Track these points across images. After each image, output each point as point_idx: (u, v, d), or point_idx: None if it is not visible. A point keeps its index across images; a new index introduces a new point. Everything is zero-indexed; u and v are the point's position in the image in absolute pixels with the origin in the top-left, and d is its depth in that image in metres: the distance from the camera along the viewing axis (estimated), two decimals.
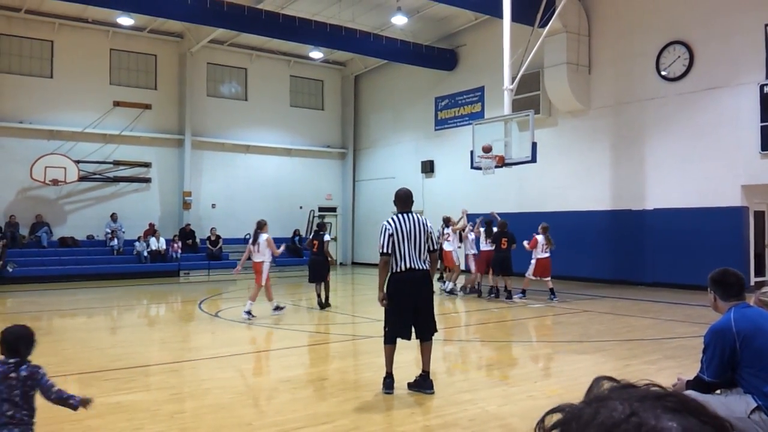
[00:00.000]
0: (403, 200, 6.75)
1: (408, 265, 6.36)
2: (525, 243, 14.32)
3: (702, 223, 15.75)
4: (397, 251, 6.37)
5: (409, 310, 6.43)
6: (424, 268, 6.47)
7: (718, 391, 4.20)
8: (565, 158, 18.88)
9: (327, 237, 13.22)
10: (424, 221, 6.61)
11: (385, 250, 6.39)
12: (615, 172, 17.93)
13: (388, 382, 6.43)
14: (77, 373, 7.55)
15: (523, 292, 14.44)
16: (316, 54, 25.25)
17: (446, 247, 15.30)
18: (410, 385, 6.52)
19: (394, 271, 6.42)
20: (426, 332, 6.55)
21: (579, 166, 18.68)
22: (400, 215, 6.57)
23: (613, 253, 17.79)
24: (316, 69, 26.92)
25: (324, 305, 13.22)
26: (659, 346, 8.89)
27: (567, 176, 18.89)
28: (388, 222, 6.50)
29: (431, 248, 6.55)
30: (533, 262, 14.20)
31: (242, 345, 9.60)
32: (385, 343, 6.53)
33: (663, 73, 16.76)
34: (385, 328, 6.56)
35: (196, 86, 23.95)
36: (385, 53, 22.49)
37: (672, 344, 9.01)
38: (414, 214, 6.60)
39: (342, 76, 27.71)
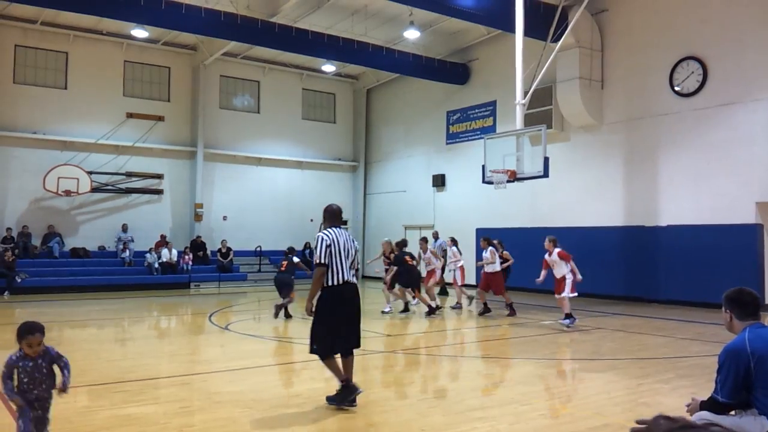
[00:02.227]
0: (334, 215, 6.81)
1: (345, 278, 6.45)
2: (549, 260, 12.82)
3: (716, 241, 15.61)
4: (334, 264, 6.41)
5: (344, 321, 6.53)
6: (355, 281, 6.65)
7: (733, 412, 4.14)
8: (578, 173, 18.81)
9: (295, 258, 14.54)
10: (352, 238, 6.73)
11: (322, 261, 6.39)
12: (628, 188, 17.84)
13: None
14: (88, 384, 7.55)
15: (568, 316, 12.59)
16: (329, 67, 25.37)
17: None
18: (330, 399, 6.49)
19: (331, 284, 6.43)
20: (355, 345, 6.70)
21: (591, 182, 18.59)
22: (333, 229, 6.60)
23: (626, 269, 17.66)
24: (329, 82, 27.04)
25: (286, 315, 13.91)
26: (673, 364, 8.78)
27: (579, 191, 18.80)
28: (325, 234, 6.51)
29: (357, 263, 6.72)
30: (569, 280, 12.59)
31: (252, 358, 9.57)
32: (324, 358, 6.53)
33: (676, 88, 16.70)
34: (314, 343, 6.52)
35: (208, 98, 24.10)
36: (397, 67, 22.56)
37: (686, 363, 8.90)
38: (344, 230, 6.71)
39: (354, 90, 27.82)
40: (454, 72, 22.78)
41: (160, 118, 23.19)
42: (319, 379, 8.02)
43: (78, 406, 6.70)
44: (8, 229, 20.16)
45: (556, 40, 17.06)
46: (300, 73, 26.09)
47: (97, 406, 6.63)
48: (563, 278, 12.69)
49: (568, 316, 12.53)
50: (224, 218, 24.26)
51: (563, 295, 12.53)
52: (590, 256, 18.20)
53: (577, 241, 18.56)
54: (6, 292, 18.22)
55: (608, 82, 18.41)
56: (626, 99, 17.93)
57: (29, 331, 4.44)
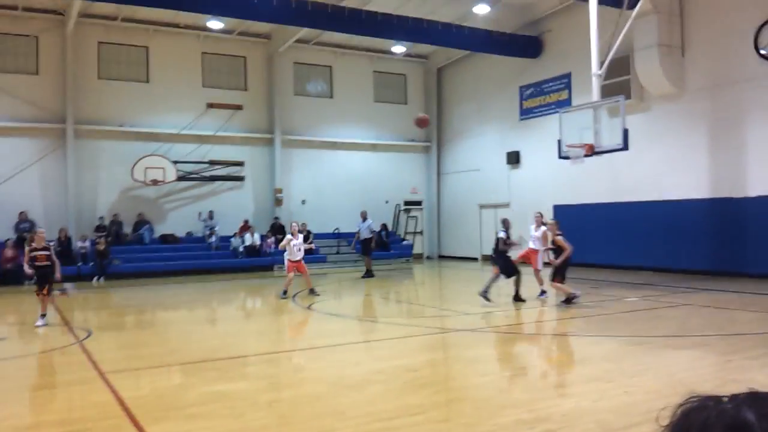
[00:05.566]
0: None
1: None
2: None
3: None
4: None
5: None
6: None
7: None
8: (659, 145, 18.16)
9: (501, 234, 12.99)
10: None
11: None
12: (713, 159, 17.10)
13: None
14: (181, 363, 7.97)
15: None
16: (399, 48, 25.35)
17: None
18: None
19: None
20: None
21: (674, 153, 17.92)
22: None
23: (713, 243, 16.98)
24: (399, 63, 27.03)
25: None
26: (764, 340, 8.45)
27: (661, 163, 18.17)
28: None
29: None
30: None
31: (334, 337, 9.82)
32: None
33: (762, 52, 15.81)
34: None
35: (283, 86, 24.55)
36: (467, 44, 22.29)
37: None
38: None
39: (425, 70, 27.70)
40: (527, 46, 22.31)
41: (239, 107, 23.80)
42: (400, 357, 8.18)
43: (172, 383, 7.10)
44: (100, 218, 21.27)
45: (632, 6, 16.41)
46: (371, 56, 26.17)
47: (190, 383, 7.01)
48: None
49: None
50: (303, 202, 24.78)
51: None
52: (674, 230, 17.66)
53: (661, 215, 18.04)
54: (100, 278, 19.20)
55: (689, 48, 17.63)
56: (709, 65, 17.13)
57: None
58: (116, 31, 22.10)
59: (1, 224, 19.70)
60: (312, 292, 14.56)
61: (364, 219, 19.65)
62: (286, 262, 14.78)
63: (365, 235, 19.38)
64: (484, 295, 12.13)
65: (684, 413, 0.94)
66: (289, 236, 14.61)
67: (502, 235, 12.63)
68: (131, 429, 5.24)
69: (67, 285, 11.35)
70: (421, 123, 13.76)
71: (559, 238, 12.02)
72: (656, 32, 17.29)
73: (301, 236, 14.86)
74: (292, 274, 14.44)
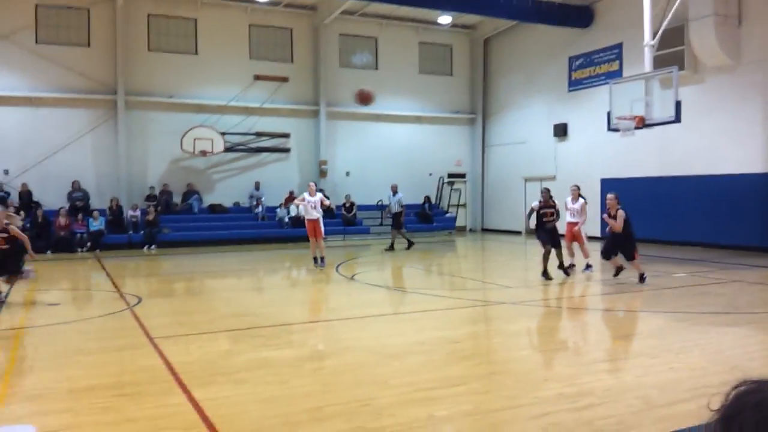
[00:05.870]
0: None
1: None
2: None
3: None
4: None
5: None
6: None
7: None
8: (713, 118, 17.60)
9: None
10: None
11: None
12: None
13: None
14: (228, 330, 8.18)
15: None
16: (445, 19, 25.00)
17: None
18: None
19: None
20: None
21: (728, 126, 17.36)
22: None
23: (766, 218, 16.48)
24: (445, 34, 26.69)
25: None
26: None
27: (714, 137, 17.63)
28: None
29: None
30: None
31: (377, 307, 9.93)
32: None
33: None
34: None
35: (329, 57, 24.53)
36: (515, 14, 21.84)
37: None
38: None
39: (471, 40, 27.29)
40: (576, 15, 21.76)
41: (285, 79, 23.90)
42: (442, 328, 8.24)
43: (220, 349, 7.30)
44: (151, 187, 21.78)
45: None
46: (416, 27, 25.87)
47: (236, 349, 7.19)
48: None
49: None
50: (347, 174, 24.89)
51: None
52: (726, 205, 17.19)
53: (712, 189, 17.57)
54: (151, 246, 19.71)
55: (746, 18, 16.93)
56: (766, 36, 16.43)
57: None
58: (165, 3, 22.33)
59: (55, 193, 20.36)
60: (321, 260, 14.72)
61: (395, 192, 19.43)
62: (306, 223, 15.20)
63: (396, 209, 19.25)
64: (545, 275, 12.06)
65: (738, 396, 0.97)
66: (304, 194, 14.87)
67: (535, 204, 12.59)
68: (180, 393, 5.41)
69: (28, 268, 10.51)
70: (362, 98, 13.48)
71: (621, 212, 11.69)
72: (712, 2, 16.67)
73: (319, 195, 14.86)
74: (313, 240, 14.77)
